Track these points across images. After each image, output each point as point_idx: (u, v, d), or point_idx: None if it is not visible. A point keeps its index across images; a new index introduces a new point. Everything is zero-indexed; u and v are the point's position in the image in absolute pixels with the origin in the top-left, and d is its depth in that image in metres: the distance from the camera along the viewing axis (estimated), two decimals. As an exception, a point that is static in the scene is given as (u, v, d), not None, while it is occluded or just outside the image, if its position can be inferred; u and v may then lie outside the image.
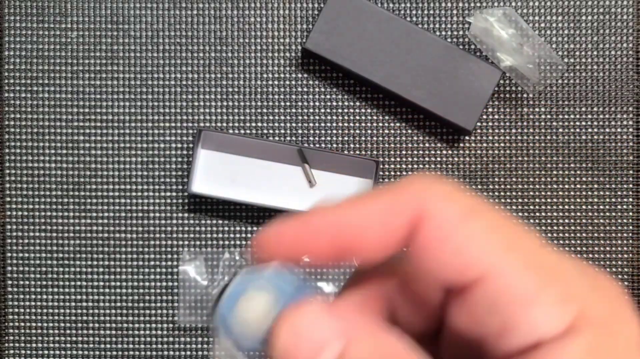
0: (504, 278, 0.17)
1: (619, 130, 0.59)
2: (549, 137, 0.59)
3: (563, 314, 0.17)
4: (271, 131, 0.59)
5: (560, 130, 0.59)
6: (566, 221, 0.59)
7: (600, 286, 0.17)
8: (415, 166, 0.59)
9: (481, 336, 0.18)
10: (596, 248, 0.59)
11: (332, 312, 0.18)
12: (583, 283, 0.17)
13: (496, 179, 0.59)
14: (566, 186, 0.59)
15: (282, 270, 0.19)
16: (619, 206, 0.59)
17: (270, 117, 0.59)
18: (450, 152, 0.59)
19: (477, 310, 0.17)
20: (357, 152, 0.59)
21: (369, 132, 0.59)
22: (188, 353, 0.59)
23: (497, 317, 0.17)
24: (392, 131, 0.59)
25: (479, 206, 0.18)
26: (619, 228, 0.59)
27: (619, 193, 0.59)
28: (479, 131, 0.60)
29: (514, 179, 0.59)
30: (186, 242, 0.59)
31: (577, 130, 0.60)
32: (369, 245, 0.18)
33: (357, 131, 0.59)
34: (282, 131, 0.59)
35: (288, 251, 0.19)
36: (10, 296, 0.59)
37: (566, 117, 0.59)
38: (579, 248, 0.59)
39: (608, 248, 0.59)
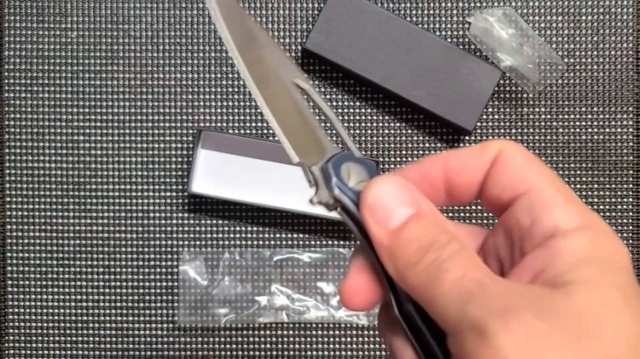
0: (542, 192, 0.24)
1: (619, 130, 0.59)
2: (549, 137, 0.59)
3: (578, 218, 0.23)
4: (271, 131, 0.59)
5: (560, 130, 0.59)
6: (566, 221, 0.59)
7: (599, 217, 0.24)
8: (415, 166, 0.59)
9: (517, 234, 0.25)
10: (596, 248, 0.59)
11: (408, 187, 0.24)
12: (592, 211, 0.24)
13: (496, 179, 0.59)
14: (566, 186, 0.59)
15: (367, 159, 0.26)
16: (619, 206, 0.59)
17: (270, 117, 0.59)
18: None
19: (517, 213, 0.25)
20: (357, 152, 0.59)
21: (369, 132, 0.59)
22: (188, 353, 0.59)
23: (531, 214, 0.24)
24: (392, 131, 0.59)
25: (534, 156, 0.26)
26: (619, 228, 0.59)
27: (619, 193, 0.59)
28: (479, 131, 0.60)
29: (514, 179, 0.59)
30: (186, 242, 0.59)
31: (577, 130, 0.60)
32: (469, 172, 0.26)
33: (357, 131, 0.59)
34: (282, 131, 0.59)
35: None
36: (10, 296, 0.59)
37: (566, 117, 0.59)
38: (579, 248, 0.59)
39: (608, 248, 0.59)
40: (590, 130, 0.60)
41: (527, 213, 0.24)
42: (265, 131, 0.59)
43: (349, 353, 0.59)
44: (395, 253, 0.23)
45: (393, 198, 0.24)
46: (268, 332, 0.59)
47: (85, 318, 0.59)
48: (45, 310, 0.59)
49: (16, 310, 0.59)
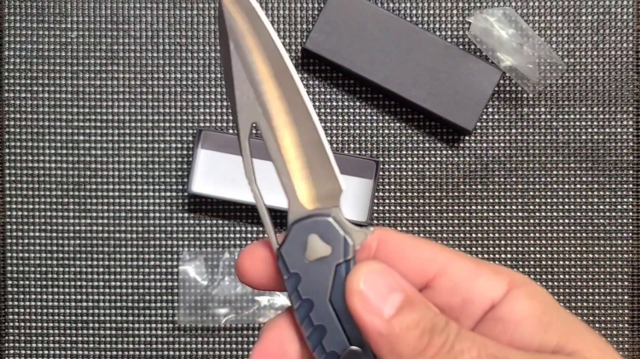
0: (454, 271, 0.24)
1: (618, 130, 0.59)
2: (549, 137, 0.59)
3: (500, 280, 0.24)
4: (271, 131, 0.59)
5: (560, 130, 0.59)
6: (566, 221, 0.59)
7: (505, 267, 0.25)
8: (415, 166, 0.59)
9: (450, 310, 0.24)
10: (596, 248, 0.59)
11: (390, 270, 0.23)
12: (496, 265, 0.25)
13: (496, 179, 0.59)
14: (566, 186, 0.59)
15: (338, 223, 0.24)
16: (619, 206, 0.59)
17: (270, 117, 0.59)
18: (450, 152, 0.59)
19: (444, 294, 0.24)
20: (357, 152, 0.59)
21: (369, 132, 0.59)
22: (188, 353, 0.59)
23: (458, 295, 0.24)
24: (392, 131, 0.59)
25: (407, 235, 0.26)
26: (619, 228, 0.59)
27: (619, 193, 0.59)
28: (479, 131, 0.60)
29: (514, 179, 0.59)
30: (186, 242, 0.59)
31: (577, 130, 0.60)
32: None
33: (357, 131, 0.59)
34: (282, 131, 0.59)
35: None
36: (10, 296, 0.59)
37: (566, 117, 0.59)
38: (579, 248, 0.59)
39: (608, 248, 0.59)
40: (590, 130, 0.60)
41: (453, 294, 0.24)
42: (265, 131, 0.59)
43: None
44: (397, 342, 0.22)
45: (382, 283, 0.22)
46: (268, 332, 0.59)
47: (85, 318, 0.59)
48: (45, 310, 0.59)
49: (16, 310, 0.59)
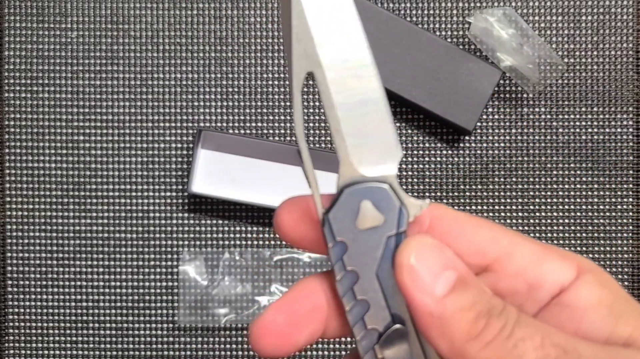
0: (521, 254, 0.23)
1: (618, 130, 0.59)
2: (549, 137, 0.59)
3: (569, 265, 0.23)
4: (271, 131, 0.59)
5: (560, 130, 0.59)
6: (566, 221, 0.59)
7: (572, 252, 0.24)
8: (415, 166, 0.59)
9: (512, 299, 0.23)
10: (596, 248, 0.59)
11: (443, 246, 0.21)
12: (564, 250, 0.23)
13: (496, 179, 0.59)
14: (566, 186, 0.59)
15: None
16: (619, 206, 0.59)
17: (270, 117, 0.59)
18: (450, 152, 0.59)
19: (508, 279, 0.23)
20: (357, 152, 0.59)
21: (369, 132, 0.59)
22: (188, 353, 0.59)
23: (524, 280, 0.23)
24: (392, 131, 0.59)
25: (465, 214, 0.24)
26: (619, 228, 0.59)
27: (619, 193, 0.59)
28: (479, 131, 0.60)
29: (514, 179, 0.59)
30: (186, 242, 0.59)
31: (577, 130, 0.60)
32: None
33: (357, 131, 0.59)
34: (282, 131, 0.59)
35: None
36: (10, 296, 0.59)
37: (566, 117, 0.59)
38: (579, 248, 0.59)
39: (608, 248, 0.59)
40: (590, 130, 0.60)
41: (518, 279, 0.23)
42: (265, 131, 0.59)
43: (349, 352, 0.59)
44: (448, 324, 0.20)
45: (435, 259, 0.20)
46: (268, 332, 0.59)
47: (85, 318, 0.59)
48: (45, 310, 0.59)
49: (16, 310, 0.59)
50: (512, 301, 0.22)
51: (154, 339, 0.59)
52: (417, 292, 0.20)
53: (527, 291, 0.22)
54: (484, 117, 0.59)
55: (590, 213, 0.59)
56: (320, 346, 0.59)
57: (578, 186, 0.59)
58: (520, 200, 0.59)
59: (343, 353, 0.59)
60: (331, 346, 0.59)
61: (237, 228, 0.59)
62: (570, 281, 0.22)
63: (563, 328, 0.21)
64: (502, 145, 0.59)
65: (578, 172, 0.59)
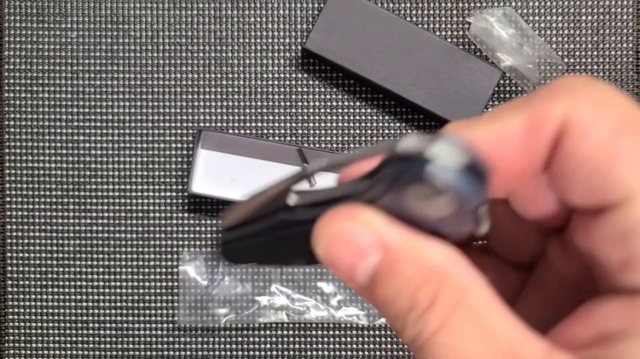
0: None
1: (619, 130, 0.59)
2: (549, 137, 0.59)
3: None
4: (271, 131, 0.59)
5: (560, 130, 0.59)
6: (566, 221, 0.59)
7: None
8: (415, 166, 0.59)
9: (599, 266, 0.16)
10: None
11: (367, 218, 0.17)
12: None
13: (496, 179, 0.59)
14: (566, 186, 0.59)
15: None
16: (619, 206, 0.59)
17: (270, 117, 0.59)
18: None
19: (602, 237, 0.15)
20: (357, 152, 0.59)
21: (369, 131, 0.59)
22: (188, 353, 0.59)
23: (625, 248, 0.15)
24: (392, 131, 0.59)
25: (635, 127, 0.15)
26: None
27: (619, 193, 0.59)
28: (479, 131, 0.60)
29: (514, 179, 0.59)
30: (186, 242, 0.59)
31: (577, 130, 0.60)
32: (510, 169, 0.16)
33: (357, 131, 0.59)
34: (282, 131, 0.59)
35: None
36: (10, 296, 0.59)
37: (566, 117, 0.60)
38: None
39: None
40: (590, 130, 0.60)
41: (620, 243, 0.15)
42: (265, 131, 0.59)
43: (349, 353, 0.59)
44: (379, 309, 0.17)
45: (349, 247, 0.17)
46: (268, 332, 0.59)
47: (85, 318, 0.59)
48: (45, 310, 0.59)
49: (16, 310, 0.59)
50: (596, 268, 0.16)
51: (154, 339, 0.59)
52: (341, 277, 0.17)
53: (618, 267, 0.15)
54: (484, 117, 0.59)
55: (590, 213, 0.59)
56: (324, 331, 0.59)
57: (578, 186, 0.59)
58: (520, 200, 0.59)
59: (343, 339, 0.59)
60: (336, 332, 0.59)
61: (237, 228, 0.59)
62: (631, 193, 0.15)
63: (610, 324, 0.15)
64: (502, 145, 0.59)
65: (578, 172, 0.59)
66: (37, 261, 0.59)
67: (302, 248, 0.19)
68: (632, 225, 0.15)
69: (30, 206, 0.59)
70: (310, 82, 0.59)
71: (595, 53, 0.60)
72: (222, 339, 0.59)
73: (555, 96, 0.15)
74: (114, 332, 0.59)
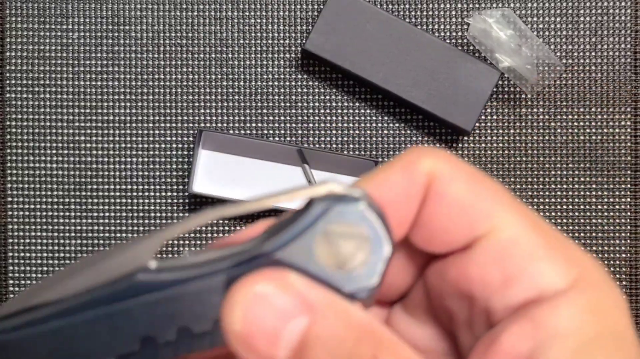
0: (512, 233, 0.18)
1: (616, 130, 0.60)
2: (547, 138, 0.60)
3: (568, 272, 0.18)
4: (271, 131, 0.59)
5: (559, 130, 0.60)
6: (564, 221, 0.60)
7: (589, 257, 0.19)
8: (415, 166, 0.60)
9: (480, 290, 0.18)
10: (594, 248, 0.60)
11: (285, 280, 0.16)
12: (580, 252, 0.19)
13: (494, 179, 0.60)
14: (564, 186, 0.60)
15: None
16: (617, 206, 0.60)
17: (270, 118, 0.59)
18: (449, 152, 0.60)
19: (480, 263, 0.18)
20: (357, 152, 0.60)
21: (369, 132, 0.60)
22: (189, 352, 0.59)
23: (502, 269, 0.18)
24: (392, 131, 0.60)
25: (482, 173, 0.19)
26: (617, 228, 0.60)
27: (617, 193, 0.60)
28: (477, 132, 0.60)
29: (512, 179, 0.60)
30: (186, 242, 0.59)
31: (575, 130, 0.60)
32: (396, 214, 0.19)
33: (357, 131, 0.60)
34: (282, 131, 0.59)
35: None
36: (12, 296, 0.59)
37: (564, 117, 0.60)
38: (577, 248, 0.60)
39: (606, 248, 0.60)
40: (588, 130, 0.60)
41: (496, 265, 0.18)
42: (265, 131, 0.59)
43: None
44: None
45: (271, 310, 0.16)
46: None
47: (86, 317, 0.59)
48: (46, 309, 0.59)
49: (18, 309, 0.59)
50: (480, 293, 0.18)
51: (154, 338, 0.59)
52: (260, 352, 0.16)
53: (501, 285, 0.18)
54: (483, 117, 0.60)
55: (588, 213, 0.60)
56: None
57: (576, 186, 0.60)
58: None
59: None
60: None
61: (237, 228, 0.59)
62: (555, 290, 0.17)
63: (517, 343, 0.17)
64: (500, 145, 0.60)
65: (576, 172, 0.60)
66: (39, 261, 0.59)
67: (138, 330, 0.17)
68: (504, 247, 0.18)
69: (32, 206, 0.59)
70: (310, 83, 0.60)
71: (593, 54, 0.60)
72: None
73: (421, 156, 0.19)
74: (115, 331, 0.59)
